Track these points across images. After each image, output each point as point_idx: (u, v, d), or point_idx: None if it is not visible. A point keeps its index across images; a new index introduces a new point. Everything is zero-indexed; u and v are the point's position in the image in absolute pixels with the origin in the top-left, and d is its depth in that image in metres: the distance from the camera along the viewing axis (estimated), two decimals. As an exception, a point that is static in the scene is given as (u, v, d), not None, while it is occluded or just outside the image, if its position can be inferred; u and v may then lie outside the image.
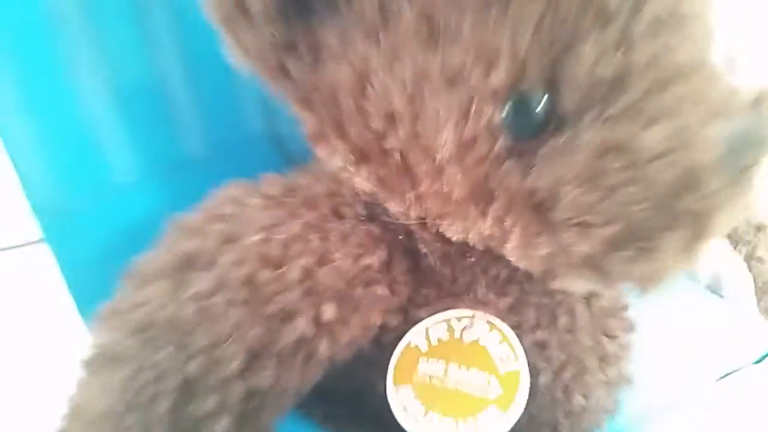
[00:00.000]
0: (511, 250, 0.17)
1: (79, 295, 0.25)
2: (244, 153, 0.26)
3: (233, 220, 0.20)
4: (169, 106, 0.24)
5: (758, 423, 0.29)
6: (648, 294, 0.18)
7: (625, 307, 0.24)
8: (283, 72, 0.18)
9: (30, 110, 0.21)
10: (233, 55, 0.18)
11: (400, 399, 0.22)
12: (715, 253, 0.30)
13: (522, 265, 0.18)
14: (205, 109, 0.25)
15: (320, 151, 0.20)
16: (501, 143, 0.16)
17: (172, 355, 0.18)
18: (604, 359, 0.23)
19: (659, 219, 0.15)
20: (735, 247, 0.30)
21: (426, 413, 0.22)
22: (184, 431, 0.18)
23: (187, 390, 0.18)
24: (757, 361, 0.28)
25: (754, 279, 0.30)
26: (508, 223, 0.17)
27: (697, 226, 0.16)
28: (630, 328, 0.24)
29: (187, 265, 0.19)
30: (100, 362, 0.19)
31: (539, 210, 0.16)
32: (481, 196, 0.17)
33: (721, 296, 0.31)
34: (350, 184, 0.20)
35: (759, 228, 0.30)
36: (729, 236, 0.30)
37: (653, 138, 0.15)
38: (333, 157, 0.19)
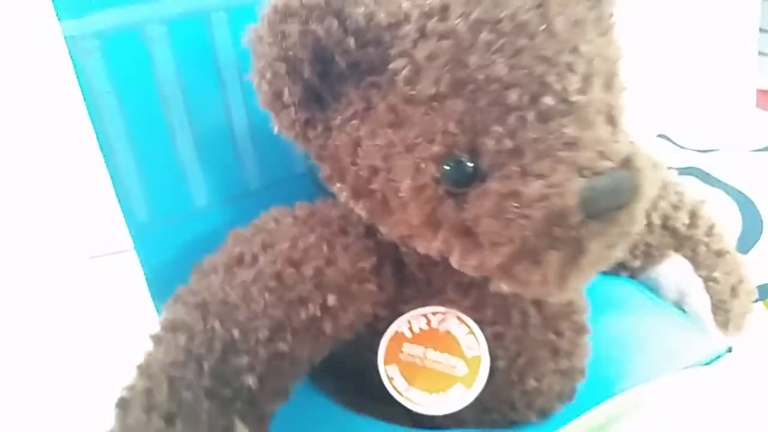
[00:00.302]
0: (455, 261, 0.24)
1: (159, 299, 0.32)
2: (289, 187, 0.33)
3: (271, 233, 0.27)
4: (235, 149, 0.32)
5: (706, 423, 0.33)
6: (553, 296, 0.24)
7: (577, 312, 0.30)
8: (305, 138, 0.25)
9: (132, 145, 0.29)
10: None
11: (389, 375, 0.28)
12: (681, 274, 0.36)
13: (465, 271, 0.24)
14: (262, 152, 0.33)
15: (333, 188, 0.27)
16: (441, 189, 0.23)
17: (219, 325, 0.25)
18: (555, 352, 0.29)
19: (542, 242, 0.21)
20: (696, 270, 0.35)
21: (408, 387, 0.28)
22: (223, 380, 0.24)
23: (228, 350, 0.25)
24: (707, 363, 0.32)
25: (711, 297, 0.35)
26: (450, 243, 0.24)
27: (571, 248, 0.22)
28: (581, 329, 0.30)
29: (236, 263, 0.27)
30: (165, 331, 0.26)
31: (469, 234, 0.23)
32: (432, 224, 0.24)
33: (684, 311, 0.36)
34: (354, 211, 0.27)
35: (718, 254, 0.35)
36: (691, 260, 0.35)
37: (534, 189, 0.21)
38: (341, 193, 0.26)
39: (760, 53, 0.78)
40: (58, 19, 0.26)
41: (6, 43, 0.53)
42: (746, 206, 0.61)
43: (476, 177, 0.23)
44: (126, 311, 0.45)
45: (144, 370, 0.25)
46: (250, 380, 0.25)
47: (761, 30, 0.78)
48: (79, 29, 0.27)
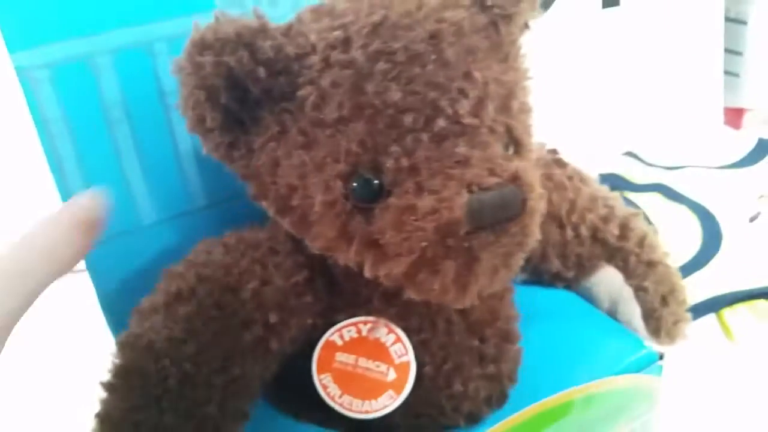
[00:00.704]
0: (367, 271, 0.26)
1: (110, 311, 0.33)
2: (234, 205, 0.35)
3: (205, 264, 0.29)
4: (181, 169, 0.34)
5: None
6: (457, 303, 0.25)
7: (501, 319, 0.31)
8: (231, 159, 0.27)
9: (81, 168, 0.30)
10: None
11: (322, 383, 0.29)
12: (612, 284, 0.37)
13: (381, 281, 0.26)
14: (206, 172, 0.34)
15: (261, 205, 0.29)
16: (350, 204, 0.25)
17: (170, 363, 0.26)
18: (481, 358, 0.30)
19: (438, 252, 0.23)
20: (627, 280, 0.36)
21: (341, 394, 0.29)
22: (185, 414, 0.26)
23: (183, 385, 0.26)
24: (637, 370, 0.34)
25: (641, 306, 0.36)
26: (362, 254, 0.26)
27: (464, 258, 0.23)
28: (507, 336, 0.31)
29: (175, 299, 0.28)
30: (118, 378, 0.27)
31: (376, 246, 0.25)
32: (345, 237, 0.26)
33: (616, 320, 0.37)
34: (283, 228, 0.29)
35: (649, 264, 0.36)
36: (622, 270, 0.37)
37: (426, 203, 0.23)
38: (268, 210, 0.28)
39: (726, 72, 0.80)
40: (9, 51, 0.28)
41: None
42: (707, 221, 0.62)
43: (381, 193, 0.25)
44: (83, 332, 0.47)
45: (105, 419, 0.27)
46: (211, 409, 0.26)
47: (726, 50, 0.80)
48: (30, 60, 0.29)
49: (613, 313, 0.37)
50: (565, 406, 0.32)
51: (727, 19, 0.79)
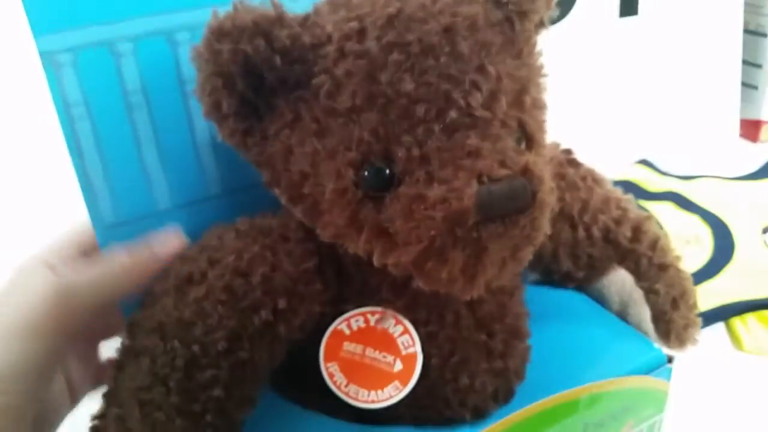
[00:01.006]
0: (376, 260, 0.26)
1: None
2: (247, 194, 0.35)
3: (216, 249, 0.29)
4: (197, 156, 0.34)
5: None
6: (464, 293, 0.26)
7: (510, 316, 0.31)
8: (246, 146, 0.28)
9: (100, 151, 0.31)
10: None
11: (329, 371, 0.30)
12: (623, 286, 0.37)
13: (390, 270, 0.26)
14: (222, 161, 0.34)
15: (274, 193, 0.29)
16: (361, 193, 0.25)
17: (179, 343, 0.27)
18: (489, 353, 0.30)
19: (447, 241, 0.24)
20: (638, 282, 0.37)
21: (348, 384, 0.29)
22: (191, 396, 0.26)
23: (191, 366, 0.27)
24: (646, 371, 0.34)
25: (651, 309, 0.36)
26: (372, 242, 0.26)
27: (473, 248, 0.24)
28: (516, 333, 0.31)
29: (186, 282, 0.28)
30: (127, 357, 0.28)
31: (386, 234, 0.25)
32: (355, 226, 0.26)
33: (626, 322, 0.37)
34: (294, 216, 0.29)
35: (661, 267, 0.36)
36: (633, 272, 0.37)
37: (437, 193, 0.24)
38: (281, 198, 0.29)
39: (744, 84, 0.80)
40: (33, 35, 0.29)
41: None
42: (719, 230, 0.62)
43: (392, 182, 0.25)
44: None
45: (112, 398, 0.28)
46: (217, 392, 0.27)
47: (744, 62, 0.80)
48: (53, 44, 0.29)
49: (623, 316, 0.37)
50: (571, 404, 0.32)
51: (746, 31, 0.79)
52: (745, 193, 0.69)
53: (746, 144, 0.82)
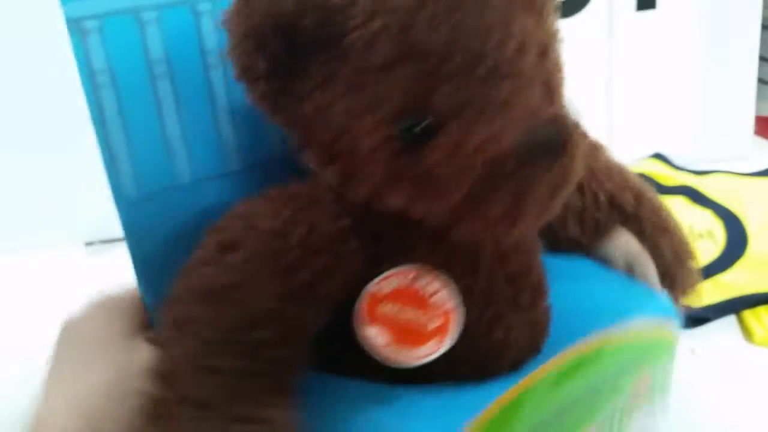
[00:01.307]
0: (415, 211, 0.27)
1: (142, 270, 0.33)
2: (268, 170, 0.35)
3: (248, 217, 0.29)
4: (218, 131, 0.34)
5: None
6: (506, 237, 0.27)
7: (534, 273, 0.32)
8: (275, 108, 0.28)
9: (123, 121, 0.31)
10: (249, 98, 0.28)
11: (366, 334, 0.29)
12: (627, 245, 0.37)
13: (427, 221, 0.27)
14: (242, 136, 0.34)
15: (305, 158, 0.29)
16: (398, 146, 0.26)
17: (228, 308, 0.27)
18: (519, 306, 0.31)
19: (487, 186, 0.24)
20: (641, 243, 0.37)
21: (386, 344, 0.29)
22: (249, 356, 0.27)
23: (244, 328, 0.27)
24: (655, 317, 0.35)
25: (657, 267, 0.37)
26: (410, 195, 0.27)
27: (512, 192, 0.24)
28: (539, 288, 0.32)
29: (222, 250, 0.28)
30: (175, 330, 0.28)
31: (424, 185, 0.26)
32: (393, 179, 0.26)
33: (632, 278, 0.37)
34: (326, 179, 0.29)
35: (664, 230, 0.38)
36: (638, 234, 0.37)
37: (475, 139, 0.24)
38: (312, 161, 0.29)
39: (760, 80, 0.80)
40: (60, 1, 0.29)
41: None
42: (732, 224, 0.62)
43: (428, 133, 0.26)
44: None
45: (168, 374, 0.27)
46: (272, 351, 0.27)
47: (761, 58, 0.79)
48: (80, 11, 0.30)
49: (628, 273, 0.38)
50: (594, 353, 0.32)
51: (764, 27, 0.79)
52: (759, 189, 0.69)
53: (761, 141, 0.82)
